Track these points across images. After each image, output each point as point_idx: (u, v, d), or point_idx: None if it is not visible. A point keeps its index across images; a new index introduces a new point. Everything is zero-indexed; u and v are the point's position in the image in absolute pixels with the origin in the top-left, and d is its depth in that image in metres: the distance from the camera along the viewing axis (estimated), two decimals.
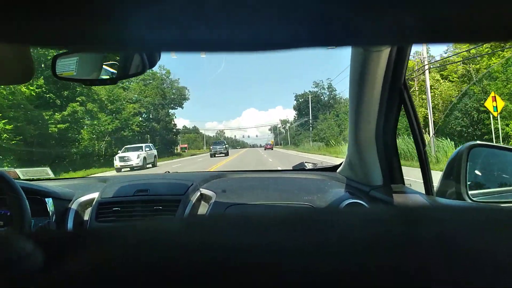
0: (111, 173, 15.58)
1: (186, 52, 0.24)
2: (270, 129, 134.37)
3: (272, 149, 67.22)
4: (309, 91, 60.88)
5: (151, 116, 36.69)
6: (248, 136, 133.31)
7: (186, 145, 72.15)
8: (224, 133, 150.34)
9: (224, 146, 33.72)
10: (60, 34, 0.22)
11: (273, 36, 0.23)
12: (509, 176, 1.31)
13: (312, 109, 55.45)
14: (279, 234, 0.26)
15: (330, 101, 55.57)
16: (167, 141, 37.86)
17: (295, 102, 65.54)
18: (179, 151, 54.87)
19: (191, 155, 41.72)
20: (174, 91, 42.26)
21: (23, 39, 0.25)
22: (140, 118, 32.66)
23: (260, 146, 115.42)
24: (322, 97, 58.68)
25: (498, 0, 0.20)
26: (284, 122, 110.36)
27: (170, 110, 41.35)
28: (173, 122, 43.38)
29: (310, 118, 54.98)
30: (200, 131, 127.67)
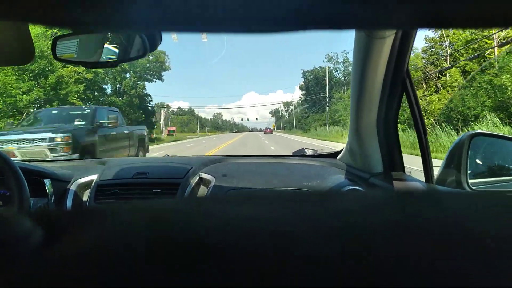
0: None
1: (187, 32, 0.24)
2: (271, 112, 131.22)
3: (272, 133, 66.28)
4: (319, 67, 54.97)
5: (108, 87, 28.88)
6: (248, 119, 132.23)
7: (174, 128, 68.70)
8: (222, 115, 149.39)
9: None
10: (60, 12, 0.22)
11: (275, 18, 0.22)
12: (510, 166, 1.31)
13: (323, 87, 48.08)
14: (279, 216, 0.26)
15: (346, 78, 48.53)
16: (138, 123, 27.95)
17: (302, 80, 59.41)
18: (163, 135, 50.68)
19: (173, 141, 33.61)
20: (150, 57, 33.08)
21: (23, 16, 0.24)
22: (84, 88, 22.42)
23: (260, 130, 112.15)
24: (336, 73, 52.11)
25: None
26: (287, 104, 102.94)
27: (145, 82, 33.07)
28: (147, 98, 33.73)
29: (327, 95, 45.77)
30: (197, 113, 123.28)
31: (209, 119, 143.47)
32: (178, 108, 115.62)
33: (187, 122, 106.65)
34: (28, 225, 0.25)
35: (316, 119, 48.60)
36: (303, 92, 60.90)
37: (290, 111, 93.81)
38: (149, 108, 34.46)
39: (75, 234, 0.24)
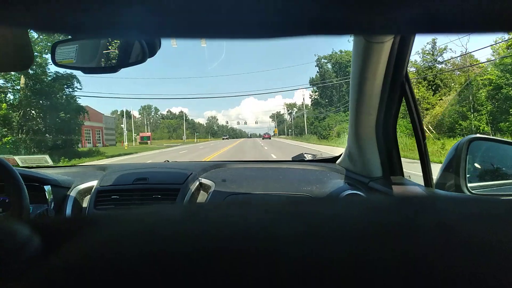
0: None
1: (186, 38, 0.24)
2: (271, 117, 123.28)
3: (270, 139, 65.18)
4: (340, 51, 41.77)
5: None
6: (245, 123, 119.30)
7: (149, 134, 63.03)
8: (217, 120, 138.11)
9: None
10: (59, 19, 0.22)
11: (273, 23, 0.23)
12: (508, 169, 1.31)
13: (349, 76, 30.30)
14: (278, 221, 0.26)
15: None
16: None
17: (317, 70, 45.19)
18: (123, 144, 43.97)
19: (122, 155, 24.22)
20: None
21: (23, 23, 0.24)
22: None
23: (260, 136, 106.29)
24: None
25: None
26: (290, 106, 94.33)
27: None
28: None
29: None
30: (187, 116, 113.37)
31: (204, 124, 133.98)
32: (167, 112, 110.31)
33: (175, 127, 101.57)
34: (27, 232, 0.25)
35: (339, 120, 35.29)
36: (314, 89, 48.04)
37: (294, 113, 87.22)
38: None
39: (74, 242, 0.24)
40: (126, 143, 49.70)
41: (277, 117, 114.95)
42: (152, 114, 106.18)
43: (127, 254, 0.22)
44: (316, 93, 48.39)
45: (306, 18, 0.22)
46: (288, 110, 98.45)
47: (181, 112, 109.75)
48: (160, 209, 0.31)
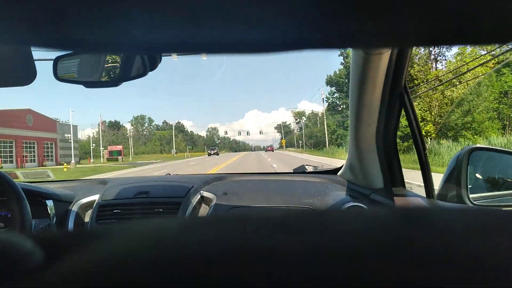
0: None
1: (187, 53, 0.25)
2: (276, 127, 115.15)
3: (273, 151, 63.84)
4: None
5: None
6: (248, 133, 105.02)
7: (120, 148, 53.23)
8: (217, 130, 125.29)
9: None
10: (61, 36, 0.22)
11: (273, 38, 0.23)
12: (509, 180, 1.31)
13: None
14: (279, 235, 0.26)
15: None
16: None
17: (341, 61, 40.03)
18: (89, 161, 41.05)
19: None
20: None
21: (25, 40, 0.25)
22: None
23: (263, 149, 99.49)
24: None
25: (499, 2, 0.20)
26: (299, 114, 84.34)
27: None
28: None
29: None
30: (188, 128, 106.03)
31: (204, 135, 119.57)
32: (163, 123, 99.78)
33: (168, 139, 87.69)
34: (30, 245, 0.25)
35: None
36: (332, 89, 42.79)
37: (302, 123, 75.12)
38: None
39: (76, 255, 0.24)
40: (93, 159, 45.07)
41: (283, 128, 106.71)
42: (146, 125, 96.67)
43: (129, 267, 0.22)
44: (335, 95, 44.74)
45: (305, 33, 0.22)
46: (296, 119, 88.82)
47: (178, 122, 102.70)
48: (160, 223, 0.31)
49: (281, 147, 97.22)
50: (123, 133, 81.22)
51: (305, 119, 77.77)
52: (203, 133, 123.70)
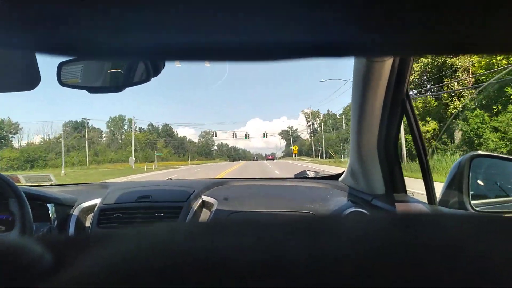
0: None
1: (190, 61, 0.25)
2: (281, 133, 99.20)
3: (273, 160, 59.76)
4: None
5: None
6: (246, 136, 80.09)
7: None
8: (212, 135, 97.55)
9: None
10: (65, 42, 0.22)
11: (275, 46, 0.23)
12: (511, 186, 1.30)
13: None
14: (281, 242, 0.26)
15: None
16: None
17: None
18: None
19: None
20: None
21: (29, 46, 0.25)
22: None
23: (266, 157, 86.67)
24: None
25: (501, 12, 0.20)
26: (313, 115, 70.88)
27: None
28: None
29: None
30: (177, 132, 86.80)
31: (196, 141, 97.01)
32: (149, 125, 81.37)
33: (147, 144, 69.78)
34: (39, 249, 0.25)
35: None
36: None
37: (316, 126, 66.37)
38: None
39: (81, 259, 0.24)
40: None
41: (292, 133, 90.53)
42: (126, 127, 75.54)
43: (130, 274, 0.22)
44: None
45: (307, 41, 0.23)
46: (308, 122, 74.90)
47: (166, 125, 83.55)
48: (161, 229, 0.31)
49: (287, 155, 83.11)
50: (92, 136, 66.77)
51: (318, 121, 68.76)
52: (191, 136, 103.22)
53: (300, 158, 60.79)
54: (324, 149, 49.94)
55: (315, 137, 63.08)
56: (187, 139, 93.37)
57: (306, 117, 77.00)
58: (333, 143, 48.45)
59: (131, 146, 59.36)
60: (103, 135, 74.03)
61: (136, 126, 77.28)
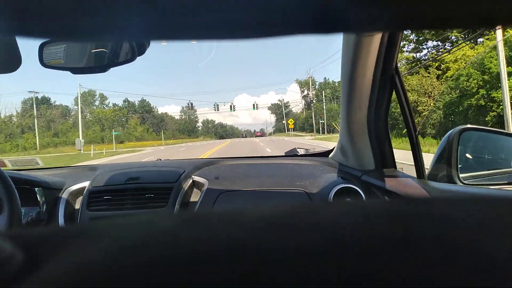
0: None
1: (175, 40, 0.24)
2: (270, 108, 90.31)
3: (262, 137, 57.63)
4: None
5: None
6: (232, 108, 64.02)
7: None
8: (195, 111, 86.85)
9: None
10: (46, 24, 0.21)
11: (262, 23, 0.23)
12: (499, 159, 1.33)
13: None
14: (273, 234, 0.25)
15: None
16: None
17: None
18: None
19: None
20: None
21: (8, 30, 0.24)
22: None
23: (255, 134, 78.78)
24: None
25: None
26: (307, 84, 61.36)
27: None
28: None
29: None
30: (157, 109, 77.24)
31: (176, 118, 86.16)
32: (124, 101, 71.53)
33: (112, 121, 60.32)
34: (8, 248, 0.24)
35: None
36: None
37: (311, 96, 56.54)
38: None
39: (62, 255, 0.24)
40: None
41: (285, 107, 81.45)
42: (97, 104, 66.40)
43: (118, 267, 0.22)
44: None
45: (295, 18, 0.22)
46: (302, 91, 66.71)
47: (143, 100, 73.52)
48: (150, 219, 0.30)
49: (278, 130, 76.45)
50: (53, 114, 58.09)
51: (312, 91, 58.62)
52: (172, 111, 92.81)
53: (297, 134, 52.61)
54: (325, 121, 42.98)
55: (314, 109, 53.46)
56: (168, 116, 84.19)
57: (300, 86, 68.66)
58: (335, 115, 41.92)
59: (98, 125, 54.39)
60: (72, 113, 64.32)
61: (109, 102, 69.87)
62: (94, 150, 30.16)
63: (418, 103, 19.74)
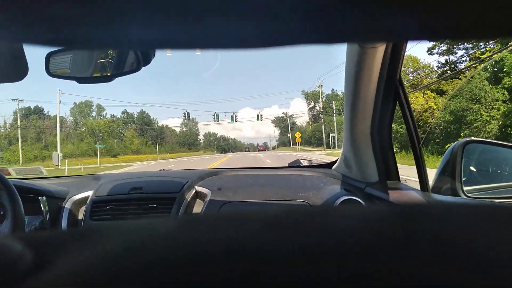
0: None
1: (180, 49, 0.24)
2: (274, 121, 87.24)
3: (265, 151, 56.18)
4: None
5: None
6: (233, 119, 55.22)
7: None
8: (196, 123, 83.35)
9: None
10: (54, 33, 0.22)
11: (266, 33, 0.23)
12: (503, 172, 1.32)
13: None
14: (274, 235, 0.25)
15: None
16: None
17: None
18: None
19: None
20: None
21: (16, 38, 0.24)
22: None
23: (258, 148, 74.36)
24: None
25: None
26: (314, 96, 59.50)
27: None
28: None
29: None
30: (157, 120, 72.22)
31: (179, 131, 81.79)
32: (123, 113, 68.29)
33: (107, 133, 56.38)
34: (19, 248, 0.25)
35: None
36: None
37: (319, 108, 54.46)
38: None
39: (68, 256, 0.24)
40: None
41: (290, 120, 76.06)
42: (94, 115, 63.40)
43: (120, 269, 0.22)
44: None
45: (300, 28, 0.22)
46: (308, 103, 63.70)
47: (143, 112, 70.62)
48: (153, 223, 0.30)
49: (282, 144, 75.32)
50: (45, 125, 54.34)
51: (320, 103, 55.43)
52: (173, 124, 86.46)
53: (303, 149, 49.01)
54: (336, 135, 38.90)
55: (320, 122, 50.23)
56: (169, 128, 79.74)
57: (306, 98, 64.85)
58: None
59: (90, 137, 50.83)
60: (68, 124, 61.08)
61: (106, 113, 66.42)
62: (70, 165, 26.59)
63: (468, 112, 16.10)
